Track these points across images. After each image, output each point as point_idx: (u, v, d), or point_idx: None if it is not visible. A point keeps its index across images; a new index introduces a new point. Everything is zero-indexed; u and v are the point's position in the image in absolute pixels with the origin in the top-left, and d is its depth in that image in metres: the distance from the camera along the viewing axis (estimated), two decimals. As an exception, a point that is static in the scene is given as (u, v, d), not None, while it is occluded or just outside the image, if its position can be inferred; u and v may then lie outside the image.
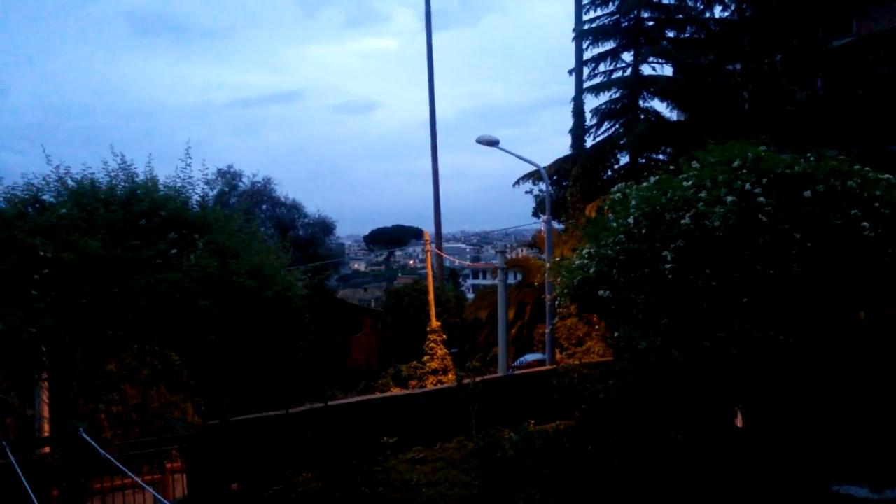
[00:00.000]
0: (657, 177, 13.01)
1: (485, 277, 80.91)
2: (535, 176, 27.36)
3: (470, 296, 46.19)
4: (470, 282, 79.37)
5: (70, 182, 11.26)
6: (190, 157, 11.88)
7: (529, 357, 22.71)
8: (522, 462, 11.21)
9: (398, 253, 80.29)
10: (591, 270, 12.47)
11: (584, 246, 13.58)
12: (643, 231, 11.77)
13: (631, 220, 11.98)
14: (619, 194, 13.51)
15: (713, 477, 10.85)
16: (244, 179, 28.98)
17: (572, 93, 27.08)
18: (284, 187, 33.36)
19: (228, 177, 28.29)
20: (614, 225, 12.54)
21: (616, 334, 11.92)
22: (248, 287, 10.13)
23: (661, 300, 10.80)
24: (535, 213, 32.30)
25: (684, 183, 12.08)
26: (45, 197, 11.29)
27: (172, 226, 10.87)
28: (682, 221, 11.22)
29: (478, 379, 14.40)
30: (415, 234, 78.48)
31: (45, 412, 12.20)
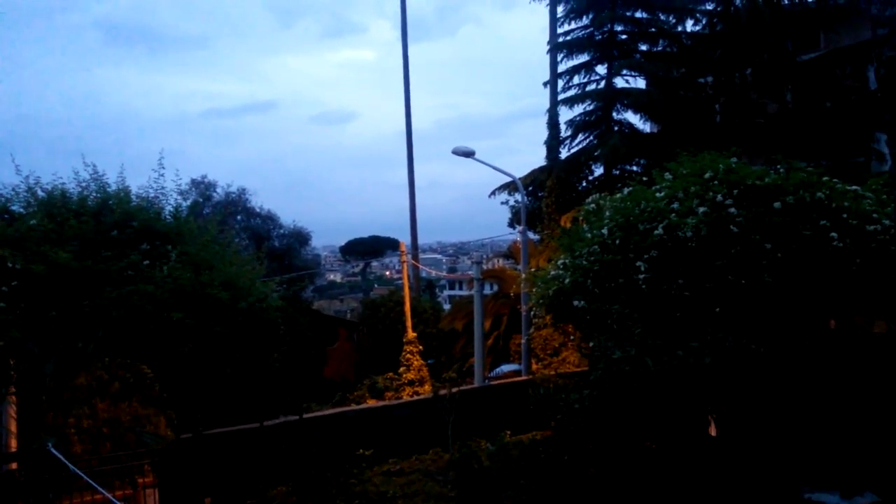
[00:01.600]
0: (631, 188, 13.15)
1: (461, 288, 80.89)
2: (510, 187, 27.49)
3: (447, 306, 46.20)
4: (446, 293, 79.33)
5: (40, 192, 11.10)
6: (163, 168, 11.79)
7: (506, 368, 22.73)
8: (498, 473, 11.20)
9: (374, 264, 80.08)
10: (566, 281, 12.54)
11: (559, 256, 13.66)
12: (617, 242, 11.88)
13: (605, 230, 12.09)
14: (593, 205, 13.64)
15: (687, 486, 10.92)
16: (218, 190, 28.89)
17: (547, 105, 27.30)
18: (259, 198, 33.15)
19: (202, 187, 28.06)
20: (588, 235, 12.63)
21: (591, 344, 12.00)
22: (222, 299, 10.04)
23: (635, 310, 10.89)
24: (511, 224, 32.45)
25: (657, 194, 12.22)
26: (13, 207, 11.11)
27: (145, 237, 10.76)
28: (656, 232, 11.34)
29: (454, 390, 14.37)
30: (391, 244, 78.29)
31: (13, 427, 11.97)
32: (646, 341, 9.96)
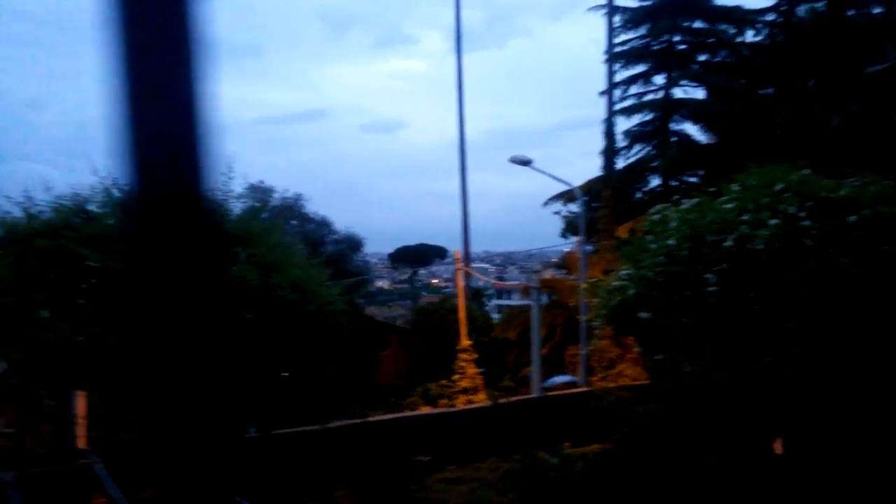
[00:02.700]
0: (697, 199, 12.92)
1: (509, 297, 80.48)
2: (565, 197, 27.32)
3: (495, 315, 46.05)
4: (494, 302, 78.92)
5: (116, 193, 11.39)
6: (232, 170, 12.01)
7: (559, 379, 22.50)
8: (564, 484, 11.07)
9: (422, 272, 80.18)
10: (630, 292, 12.37)
11: (621, 267, 13.49)
12: (684, 253, 11.67)
13: (672, 241, 11.88)
14: (658, 216, 13.43)
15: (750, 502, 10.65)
16: (275, 195, 29.33)
17: (600, 116, 27.13)
18: (313, 204, 33.49)
19: (260, 192, 28.50)
20: (654, 246, 12.43)
21: (656, 357, 11.81)
22: (291, 301, 10.16)
23: (705, 323, 10.68)
24: (564, 234, 32.20)
25: (726, 205, 11.97)
26: (90, 207, 11.42)
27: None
28: (725, 244, 11.10)
29: (513, 399, 14.29)
30: (438, 252, 78.44)
31: (82, 420, 12.34)
32: (717, 355, 9.75)
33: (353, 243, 34.41)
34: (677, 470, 11.12)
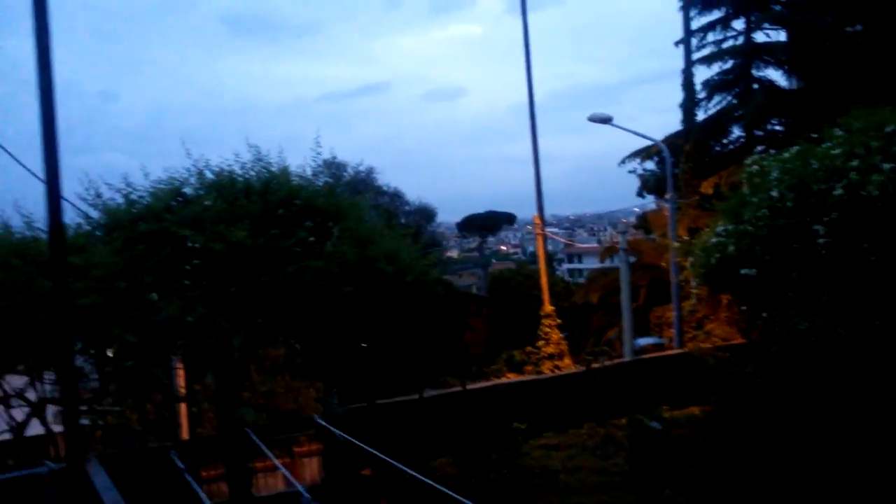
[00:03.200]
0: (798, 147, 12.27)
1: (580, 261, 79.68)
2: (642, 154, 26.55)
3: (568, 280, 45.63)
4: (566, 266, 78.36)
5: (209, 174, 11.56)
6: (320, 147, 12.04)
7: (645, 341, 22.10)
8: (670, 448, 10.84)
9: (490, 239, 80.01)
10: (730, 248, 11.88)
11: (717, 223, 12.97)
12: (789, 204, 11.11)
13: (775, 192, 11.32)
14: (755, 167, 12.82)
15: (871, 467, 10.17)
16: (348, 170, 29.51)
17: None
18: (385, 176, 33.64)
19: (334, 168, 28.68)
20: (754, 199, 11.89)
21: (763, 315, 11.35)
22: (388, 273, 10.15)
23: (816, 278, 10.17)
24: (640, 193, 31.37)
25: (832, 151, 11.32)
26: (185, 190, 11.63)
27: (307, 214, 11.00)
28: (835, 192, 10.51)
29: (606, 364, 14.05)
30: (506, 219, 77.86)
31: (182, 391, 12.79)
32: (834, 311, 9.27)
33: (426, 214, 34.49)
34: (790, 431, 10.72)
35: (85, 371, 10.54)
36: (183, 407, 13.12)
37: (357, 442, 9.67)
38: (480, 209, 72.18)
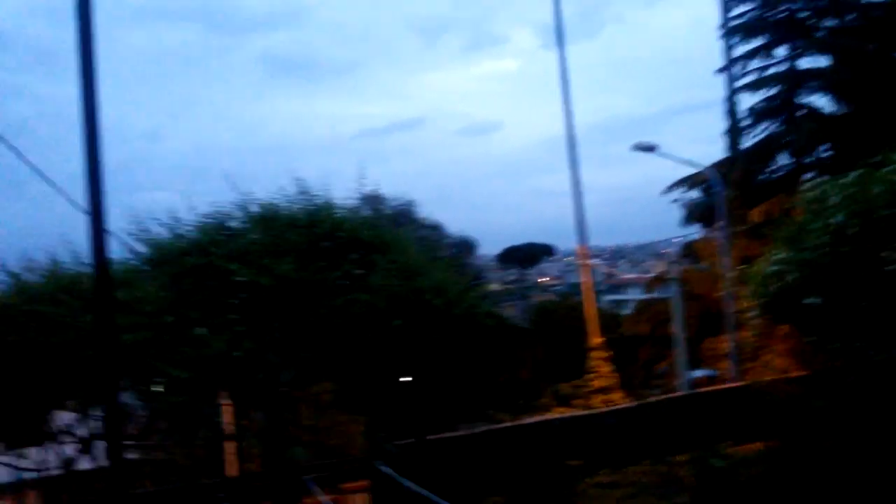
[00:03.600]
0: (858, 172, 11.77)
1: (623, 292, 78.36)
2: (687, 183, 26.03)
3: (612, 311, 44.74)
4: (607, 297, 77.05)
5: (254, 208, 11.51)
6: (364, 178, 11.95)
7: (698, 373, 21.40)
8: (738, 488, 10.28)
9: (530, 271, 79.52)
10: (790, 277, 11.39)
11: (775, 251, 12.49)
12: (854, 230, 10.62)
13: (841, 217, 10.83)
14: (813, 192, 12.35)
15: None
16: (388, 203, 29.46)
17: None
18: (425, 208, 33.53)
19: (374, 201, 28.73)
20: (814, 226, 11.41)
21: (831, 346, 10.80)
22: (437, 305, 9.90)
23: (887, 306, 9.63)
24: (685, 223, 30.76)
25: (894, 176, 10.83)
26: (230, 224, 11.60)
27: (352, 246, 10.85)
28: (903, 217, 10.01)
29: (661, 398, 13.53)
30: (546, 250, 77.50)
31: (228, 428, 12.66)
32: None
33: (466, 246, 34.26)
34: (866, 470, 10.08)
35: (132, 407, 10.46)
36: (230, 443, 12.98)
37: (405, 482, 9.33)
38: (518, 241, 71.99)
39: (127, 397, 10.25)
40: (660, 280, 30.28)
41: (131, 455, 16.97)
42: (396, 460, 11.63)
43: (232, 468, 13.96)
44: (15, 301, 9.39)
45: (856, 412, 9.38)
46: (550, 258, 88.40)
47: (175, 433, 11.73)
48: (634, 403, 14.97)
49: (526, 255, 71.12)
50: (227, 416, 12.78)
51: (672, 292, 21.78)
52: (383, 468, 8.37)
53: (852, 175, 11.87)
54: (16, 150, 6.10)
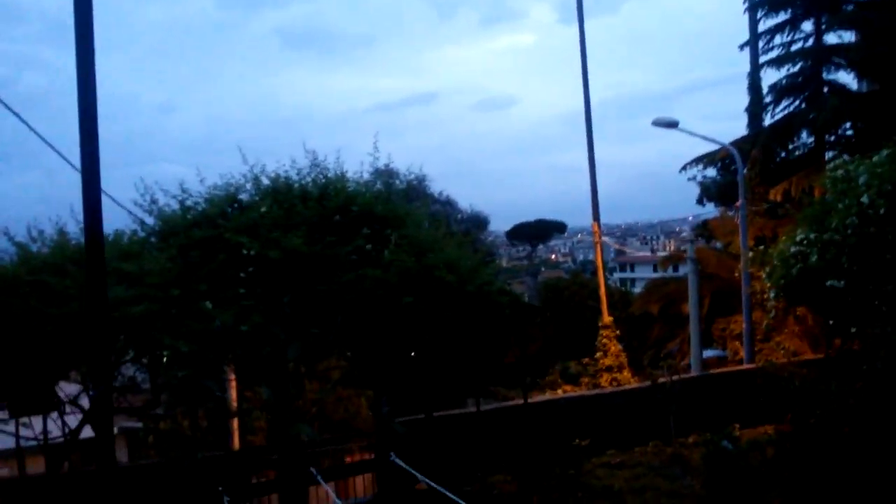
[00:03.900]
0: (888, 150, 11.39)
1: (632, 270, 78.09)
2: (704, 161, 25.56)
3: (622, 289, 44.51)
4: (617, 275, 76.80)
5: (265, 181, 11.27)
6: (378, 152, 11.70)
7: (708, 353, 21.18)
8: (752, 472, 10.09)
9: (540, 247, 79.23)
10: (813, 259, 11.09)
11: (797, 231, 12.16)
12: (881, 212, 10.28)
13: (865, 198, 10.49)
14: (840, 171, 11.99)
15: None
16: (401, 177, 28.99)
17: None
18: (437, 183, 33.16)
19: (386, 175, 28.25)
20: (840, 206, 11.07)
21: (853, 330, 10.54)
22: (450, 282, 9.67)
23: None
24: (700, 201, 30.34)
25: (926, 154, 10.47)
26: (241, 196, 11.37)
27: (364, 221, 10.61)
28: (933, 198, 9.68)
29: (674, 378, 13.31)
30: (557, 227, 77.01)
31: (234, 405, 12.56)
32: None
33: (478, 222, 33.97)
34: (884, 458, 9.85)
35: (137, 380, 10.32)
36: (233, 407, 12.88)
37: (404, 466, 9.16)
38: (530, 218, 71.50)
39: (131, 370, 10.13)
40: (673, 259, 30.02)
41: (135, 424, 17.02)
42: (402, 439, 11.50)
43: (237, 442, 13.91)
44: (20, 271, 9.20)
45: (874, 398, 9.13)
46: (561, 235, 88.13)
47: (179, 406, 11.64)
48: (644, 384, 14.74)
49: (537, 232, 70.65)
50: (232, 391, 12.68)
51: (686, 271, 21.49)
52: (396, 461, 8.21)
53: (883, 154, 11.50)
54: (16, 114, 5.85)
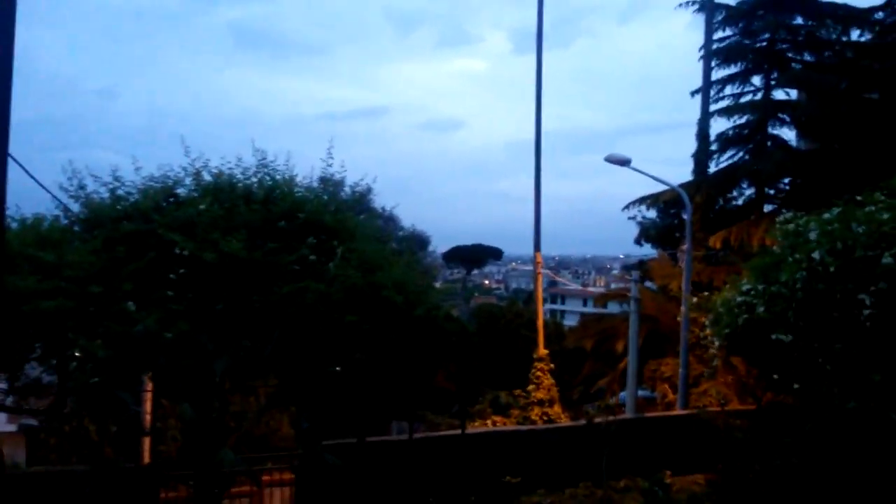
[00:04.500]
0: (838, 208, 11.51)
1: (563, 302, 78.90)
2: (647, 201, 25.85)
3: (555, 321, 44.70)
4: (548, 306, 77.41)
5: (207, 176, 10.55)
6: (331, 158, 11.17)
7: (638, 394, 21.17)
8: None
9: (474, 272, 79.34)
10: (760, 310, 11.05)
11: (743, 280, 12.15)
12: (831, 269, 10.31)
13: (816, 255, 10.51)
14: (790, 225, 12.06)
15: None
16: (346, 188, 28.24)
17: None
18: (382, 198, 32.45)
19: (331, 184, 27.44)
20: (790, 260, 11.08)
21: (796, 387, 10.47)
22: (397, 303, 9.14)
23: (861, 351, 9.33)
24: (639, 241, 30.68)
25: (878, 216, 10.57)
26: (179, 191, 10.60)
27: (311, 230, 10.00)
28: (884, 261, 9.72)
29: (609, 419, 13.07)
30: (493, 253, 77.51)
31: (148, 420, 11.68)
32: (888, 392, 8.40)
33: (419, 241, 33.50)
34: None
35: (42, 382, 9.36)
36: (146, 423, 11.99)
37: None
38: (464, 241, 71.56)
39: (37, 370, 9.18)
40: (613, 296, 30.16)
41: (36, 423, 15.75)
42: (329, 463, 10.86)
43: (147, 453, 12.95)
44: None
45: (802, 455, 9.04)
46: (496, 261, 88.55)
47: (84, 417, 10.71)
48: (579, 422, 14.48)
49: (473, 256, 70.88)
50: (147, 403, 11.74)
51: (624, 309, 21.54)
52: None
53: (834, 212, 11.60)
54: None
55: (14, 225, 9.16)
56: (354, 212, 14.32)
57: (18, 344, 8.55)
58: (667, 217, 28.53)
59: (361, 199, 29.95)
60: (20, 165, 8.88)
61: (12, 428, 17.53)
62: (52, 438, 16.10)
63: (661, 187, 24.52)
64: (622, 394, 22.15)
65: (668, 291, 22.57)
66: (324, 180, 12.19)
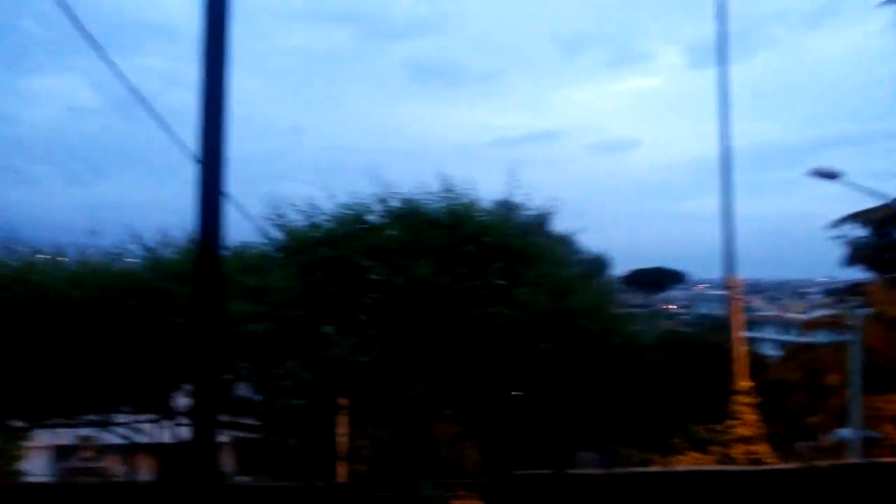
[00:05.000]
0: None
1: (756, 329, 73.06)
2: (863, 218, 23.23)
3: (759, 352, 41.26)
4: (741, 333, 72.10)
5: (394, 202, 10.70)
6: (515, 181, 10.94)
7: (847, 433, 18.80)
8: None
9: (656, 296, 75.88)
10: None
11: None
12: None
13: None
14: None
15: None
16: (524, 212, 28.01)
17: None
18: (559, 221, 31.89)
19: (509, 208, 27.34)
20: None
21: None
22: (592, 330, 8.63)
23: None
24: (849, 262, 27.67)
25: None
26: (368, 217, 10.84)
27: (497, 254, 9.79)
28: None
29: (834, 463, 11.57)
30: (675, 277, 73.70)
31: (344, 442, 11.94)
32: None
33: (600, 264, 32.37)
34: None
35: (252, 401, 9.83)
36: (341, 442, 12.28)
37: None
38: (644, 264, 68.46)
39: (244, 390, 9.66)
40: (822, 323, 27.42)
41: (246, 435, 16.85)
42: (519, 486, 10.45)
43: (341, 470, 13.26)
44: (147, 277, 8.97)
45: None
46: (679, 285, 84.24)
47: (287, 436, 11.11)
48: (794, 465, 12.96)
49: (653, 280, 67.73)
50: (342, 427, 11.96)
51: (832, 338, 19.33)
52: None
53: None
54: (162, 121, 5.40)
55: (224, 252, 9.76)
56: (536, 235, 14.05)
57: (230, 366, 9.02)
58: (882, 236, 25.54)
59: (543, 223, 29.72)
60: (236, 204, 9.45)
61: (224, 439, 18.99)
62: (261, 452, 17.12)
63: (867, 204, 21.92)
64: (842, 431, 19.82)
65: (888, 319, 20.01)
66: (503, 204, 12.01)
